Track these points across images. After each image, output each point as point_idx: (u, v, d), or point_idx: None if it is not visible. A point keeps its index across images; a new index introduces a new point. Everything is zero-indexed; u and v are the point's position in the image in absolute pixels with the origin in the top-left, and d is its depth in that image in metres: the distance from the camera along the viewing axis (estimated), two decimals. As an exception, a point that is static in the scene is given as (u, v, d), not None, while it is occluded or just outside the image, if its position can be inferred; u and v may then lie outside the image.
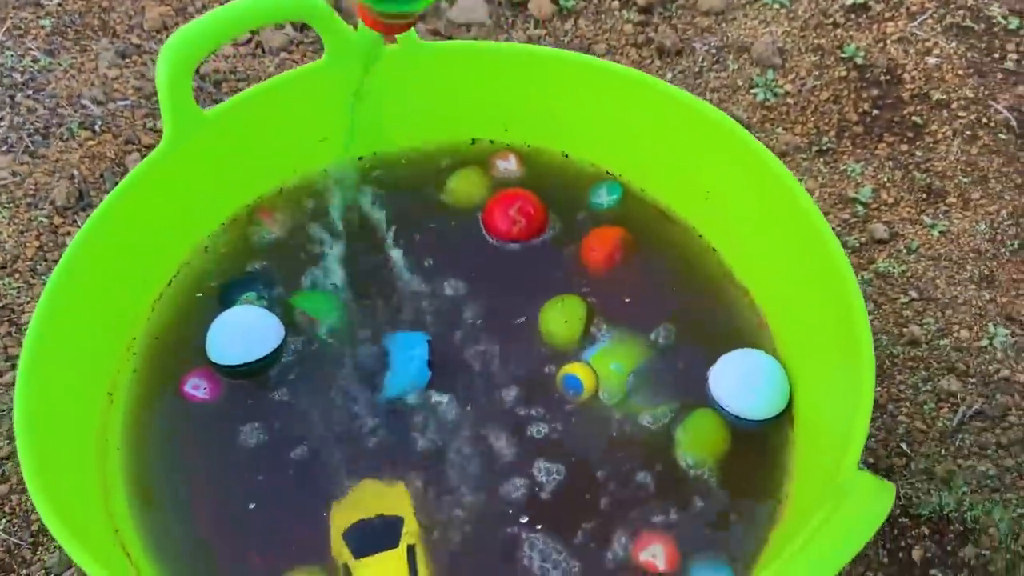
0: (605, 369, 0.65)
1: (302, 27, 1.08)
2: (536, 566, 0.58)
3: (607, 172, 0.75)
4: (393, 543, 0.57)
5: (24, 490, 0.74)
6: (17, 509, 0.73)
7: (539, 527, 0.59)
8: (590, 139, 0.75)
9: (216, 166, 0.70)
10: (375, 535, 0.57)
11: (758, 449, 0.62)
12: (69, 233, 0.89)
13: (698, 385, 0.64)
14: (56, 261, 0.85)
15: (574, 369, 0.65)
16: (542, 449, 0.62)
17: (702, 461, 0.61)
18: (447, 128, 0.77)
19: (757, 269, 0.68)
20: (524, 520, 0.59)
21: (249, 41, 1.07)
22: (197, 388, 0.65)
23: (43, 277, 0.86)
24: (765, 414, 0.62)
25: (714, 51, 1.05)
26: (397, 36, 0.69)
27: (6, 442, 0.76)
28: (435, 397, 0.65)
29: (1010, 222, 0.89)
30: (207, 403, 0.65)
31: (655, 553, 0.58)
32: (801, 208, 0.61)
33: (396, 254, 0.72)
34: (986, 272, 0.86)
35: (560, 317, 0.68)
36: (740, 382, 0.63)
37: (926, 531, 0.71)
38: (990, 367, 0.79)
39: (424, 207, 0.75)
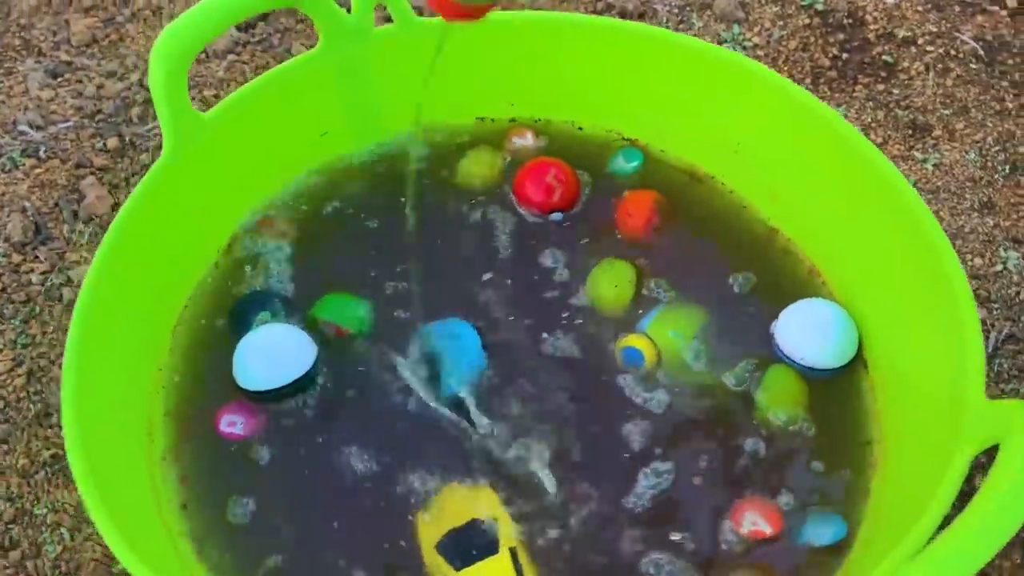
0: (664, 338, 0.63)
1: (246, 27, 1.01)
2: (644, 557, 0.55)
3: (624, 138, 0.73)
4: (493, 548, 0.53)
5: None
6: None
7: (638, 512, 0.56)
8: (602, 105, 0.72)
9: (219, 173, 0.64)
10: (472, 543, 0.53)
11: (837, 397, 0.61)
12: (32, 270, 0.81)
13: (763, 341, 0.63)
14: (23, 302, 0.78)
15: (632, 341, 0.63)
16: (618, 429, 0.59)
17: (785, 418, 0.59)
18: (450, 109, 0.73)
19: (800, 216, 0.66)
20: (622, 507, 0.56)
21: (190, 46, 0.99)
22: (233, 425, 0.59)
23: (12, 322, 0.78)
24: (839, 361, 0.61)
25: (676, 10, 1.03)
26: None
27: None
28: (495, 385, 0.61)
29: (997, 147, 0.90)
30: (248, 439, 0.59)
31: (755, 521, 0.56)
32: (842, 135, 0.60)
33: (421, 244, 0.68)
34: (984, 199, 0.87)
35: (610, 281, 0.65)
36: (809, 333, 0.61)
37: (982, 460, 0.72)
38: (1010, 291, 0.80)
39: (439, 192, 0.70)
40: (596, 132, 0.73)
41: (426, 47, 0.68)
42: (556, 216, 0.69)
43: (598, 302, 0.65)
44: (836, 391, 0.61)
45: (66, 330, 0.76)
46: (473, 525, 0.54)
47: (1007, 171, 0.89)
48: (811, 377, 0.61)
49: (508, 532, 0.54)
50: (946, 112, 0.93)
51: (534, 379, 0.61)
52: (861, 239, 0.62)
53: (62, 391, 0.50)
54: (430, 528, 0.54)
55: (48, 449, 0.72)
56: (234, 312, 0.64)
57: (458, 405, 0.60)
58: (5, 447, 0.71)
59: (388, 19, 0.68)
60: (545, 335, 0.63)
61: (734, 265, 0.66)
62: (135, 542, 0.45)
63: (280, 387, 0.60)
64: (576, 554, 0.55)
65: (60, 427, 0.72)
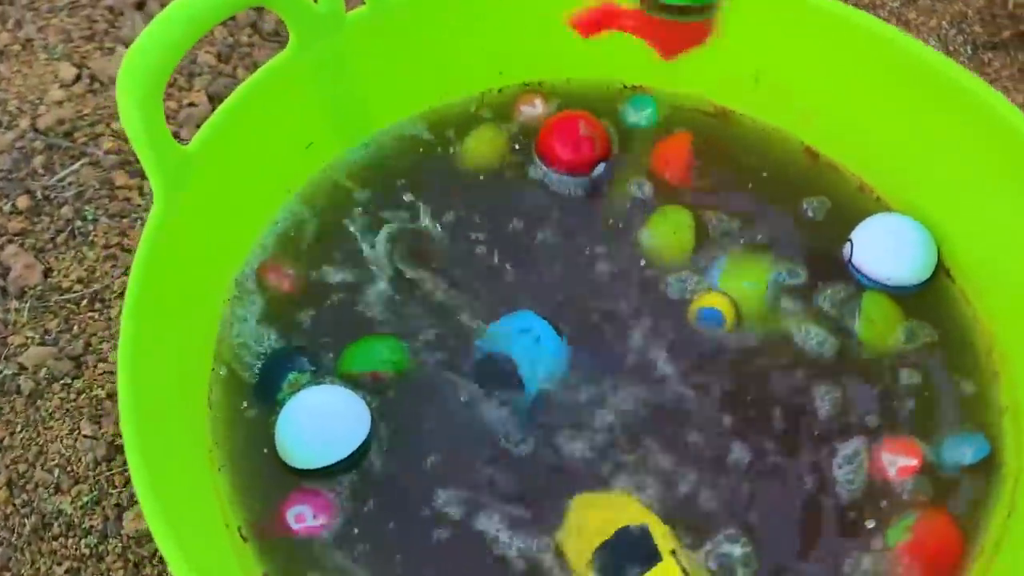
0: (740, 290, 0.58)
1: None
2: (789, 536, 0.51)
3: (627, 86, 0.67)
4: (655, 555, 0.47)
5: None
6: None
7: (766, 490, 0.52)
8: (597, 55, 0.66)
9: (211, 213, 0.54)
10: (629, 553, 0.48)
11: (933, 314, 0.58)
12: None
13: (839, 269, 0.59)
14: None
15: (708, 301, 0.58)
16: (721, 400, 0.55)
17: (892, 346, 0.56)
18: (439, 90, 0.65)
19: (840, 134, 0.63)
20: (748, 486, 0.52)
21: (78, 79, 0.87)
22: (303, 519, 0.50)
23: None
24: (924, 275, 0.58)
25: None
26: None
27: None
28: (576, 376, 0.55)
29: (955, 31, 0.90)
30: (330, 528, 0.50)
31: (893, 460, 0.53)
32: (885, 38, 0.57)
33: (447, 243, 0.60)
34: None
35: (668, 228, 0.60)
36: (889, 250, 0.58)
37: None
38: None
39: (450, 177, 0.63)
40: (596, 85, 0.67)
41: (406, 26, 0.61)
42: (599, 170, 0.63)
43: (657, 253, 0.60)
44: (929, 307, 0.58)
45: (35, 424, 0.66)
46: (624, 534, 0.48)
47: (969, 52, 0.88)
48: (898, 296, 0.58)
49: (663, 533, 0.49)
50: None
51: (619, 364, 0.56)
52: (916, 142, 0.58)
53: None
54: (576, 546, 0.48)
55: (59, 564, 0.61)
56: (259, 383, 0.55)
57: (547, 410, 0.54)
58: (8, 574, 0.61)
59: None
60: (612, 306, 0.58)
61: (784, 196, 0.62)
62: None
63: (337, 461, 0.51)
64: (728, 542, 0.50)
65: (66, 536, 0.62)
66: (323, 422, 0.52)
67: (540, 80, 0.67)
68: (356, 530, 0.50)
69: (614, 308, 0.58)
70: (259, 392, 0.54)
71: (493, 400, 0.54)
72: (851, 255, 0.59)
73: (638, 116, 0.66)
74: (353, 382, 0.54)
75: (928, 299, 0.58)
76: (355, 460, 0.51)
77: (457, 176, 0.63)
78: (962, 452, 0.53)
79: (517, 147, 0.65)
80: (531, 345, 0.55)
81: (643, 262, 0.59)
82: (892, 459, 0.53)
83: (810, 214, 0.62)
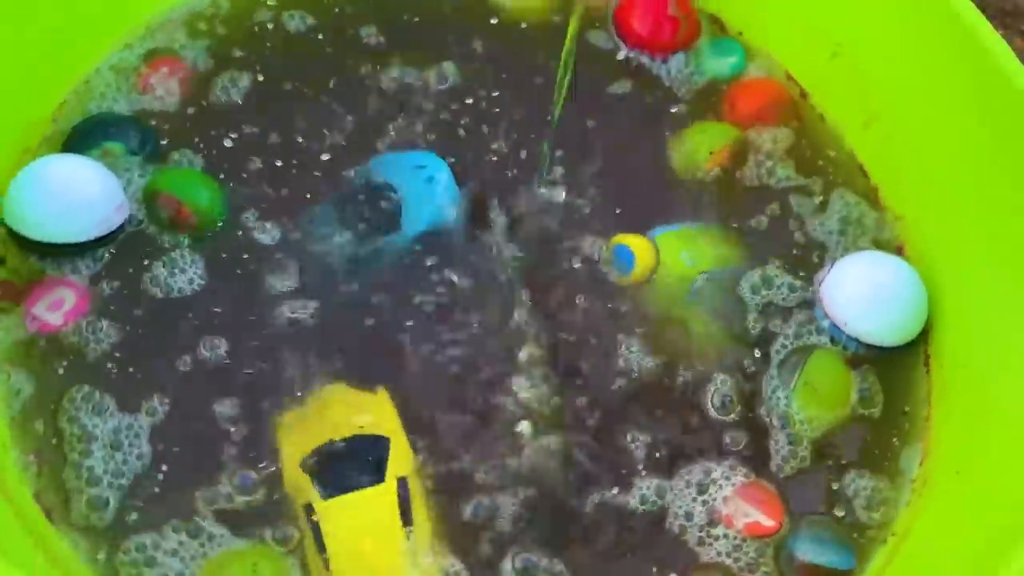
0: (672, 255, 0.48)
1: None
2: (583, 507, 0.42)
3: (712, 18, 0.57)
4: (378, 476, 0.40)
5: None
6: None
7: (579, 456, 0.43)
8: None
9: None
10: (350, 464, 0.40)
11: (886, 392, 0.46)
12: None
13: (804, 305, 0.48)
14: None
15: (629, 240, 0.48)
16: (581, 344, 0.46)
17: (813, 422, 0.45)
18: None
19: (893, 152, 0.51)
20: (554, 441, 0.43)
21: None
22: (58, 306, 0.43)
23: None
24: (900, 340, 0.47)
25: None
26: None
27: None
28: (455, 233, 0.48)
29: None
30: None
31: (748, 512, 0.42)
32: (984, 48, 0.44)
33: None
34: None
35: (704, 145, 0.52)
36: (866, 297, 0.47)
37: None
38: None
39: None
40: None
41: None
42: (679, 58, 0.55)
43: (680, 170, 0.52)
44: (886, 380, 0.47)
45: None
46: (357, 441, 0.41)
47: None
48: (858, 356, 0.47)
49: (404, 456, 0.41)
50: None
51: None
52: (972, 193, 0.46)
53: None
54: (298, 435, 0.41)
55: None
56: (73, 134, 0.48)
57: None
58: None
59: None
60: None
61: (798, 205, 0.52)
62: None
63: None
64: (486, 495, 0.42)
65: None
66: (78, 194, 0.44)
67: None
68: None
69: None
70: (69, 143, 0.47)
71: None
72: (822, 287, 0.48)
73: (721, 64, 0.56)
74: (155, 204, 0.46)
75: (888, 370, 0.47)
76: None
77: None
78: (823, 552, 0.42)
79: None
80: (421, 183, 0.47)
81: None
82: (747, 510, 0.42)
83: (805, 234, 0.51)
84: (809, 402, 0.45)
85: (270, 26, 0.53)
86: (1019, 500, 0.37)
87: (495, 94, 0.53)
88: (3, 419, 0.40)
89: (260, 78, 0.51)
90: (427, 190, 0.48)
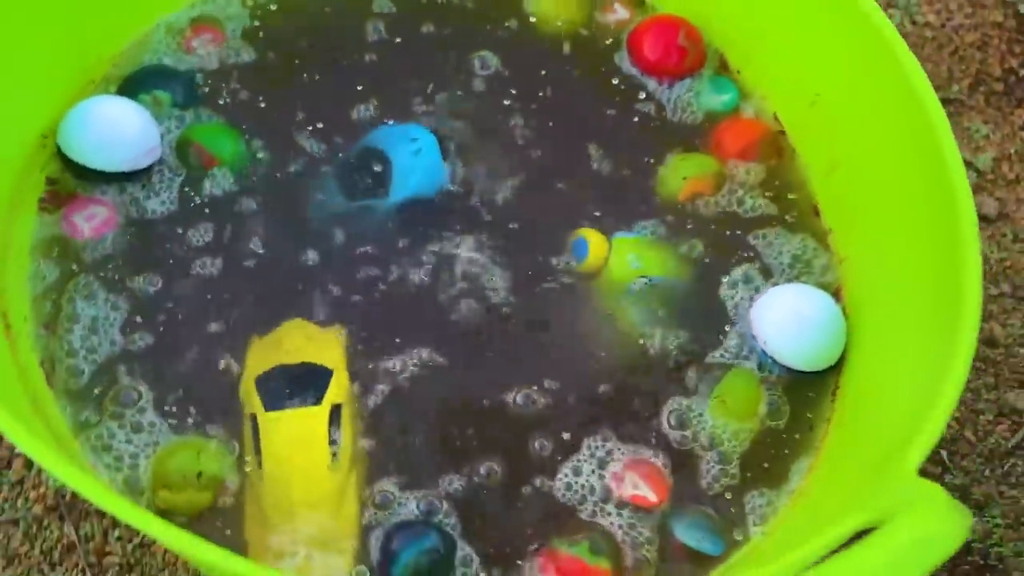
0: (621, 256, 0.54)
1: None
2: (485, 466, 0.48)
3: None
4: (316, 399, 0.47)
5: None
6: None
7: (497, 419, 0.49)
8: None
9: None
10: (295, 386, 0.47)
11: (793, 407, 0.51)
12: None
13: (736, 328, 0.53)
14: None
15: (588, 235, 0.54)
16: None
17: (724, 432, 0.50)
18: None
19: (849, 202, 0.55)
20: (479, 399, 0.49)
21: None
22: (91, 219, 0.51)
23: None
24: (816, 367, 0.51)
25: (859, -47, 0.88)
26: None
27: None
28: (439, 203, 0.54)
29: None
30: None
31: (637, 483, 0.48)
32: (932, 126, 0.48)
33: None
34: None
35: (681, 172, 0.57)
36: (789, 325, 0.51)
37: (940, 554, 0.61)
38: (1069, 396, 0.67)
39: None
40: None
41: None
42: (688, 82, 0.60)
43: (662, 196, 0.57)
44: (796, 401, 0.51)
45: None
46: (305, 368, 0.48)
47: None
48: (776, 377, 0.52)
49: (342, 388, 0.48)
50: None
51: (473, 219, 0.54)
52: (895, 246, 0.51)
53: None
54: (261, 357, 0.48)
55: None
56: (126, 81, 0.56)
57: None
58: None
59: None
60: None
61: (756, 235, 0.56)
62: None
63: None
64: (414, 426, 0.48)
65: None
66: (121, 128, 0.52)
67: None
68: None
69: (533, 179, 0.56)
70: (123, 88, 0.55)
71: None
72: (752, 312, 0.53)
73: (716, 100, 0.61)
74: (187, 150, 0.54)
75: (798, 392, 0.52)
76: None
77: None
78: (697, 539, 0.47)
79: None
80: (410, 154, 0.54)
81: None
82: (636, 481, 0.48)
83: (754, 267, 0.55)
84: (719, 414, 0.50)
85: (308, 7, 0.61)
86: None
87: (512, 91, 0.59)
88: (29, 296, 0.49)
89: (290, 51, 0.59)
90: (415, 161, 0.54)
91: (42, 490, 0.57)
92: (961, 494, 0.63)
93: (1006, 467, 0.64)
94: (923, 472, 0.60)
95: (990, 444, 0.65)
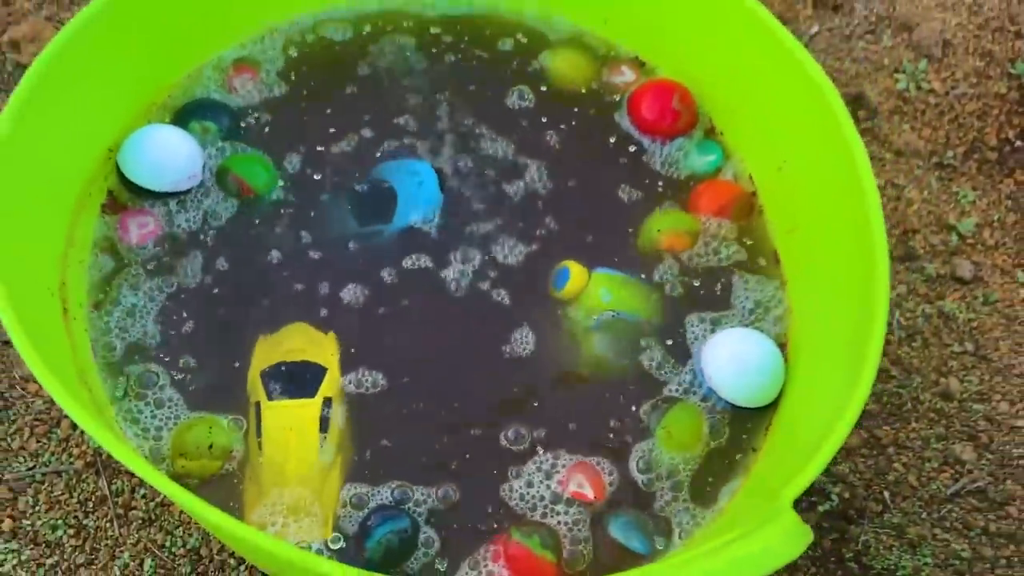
0: (595, 289, 0.61)
1: None
2: (457, 463, 0.56)
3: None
4: (310, 393, 0.55)
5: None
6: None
7: (472, 429, 0.57)
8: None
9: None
10: (295, 380, 0.56)
11: (732, 434, 0.58)
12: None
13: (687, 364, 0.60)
14: None
15: (571, 266, 0.62)
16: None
17: (666, 455, 0.57)
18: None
19: (805, 264, 0.62)
20: (453, 405, 0.57)
21: None
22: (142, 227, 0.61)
23: None
24: (754, 403, 0.58)
25: (874, 19, 0.94)
26: None
27: None
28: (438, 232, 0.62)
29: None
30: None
31: (581, 483, 0.55)
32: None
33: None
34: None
35: (658, 224, 0.64)
36: (730, 364, 0.58)
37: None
38: (1015, 450, 0.72)
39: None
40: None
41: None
42: (680, 141, 0.67)
43: (642, 248, 0.64)
44: (735, 431, 0.58)
45: None
46: (303, 365, 0.56)
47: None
48: (719, 410, 0.59)
49: (334, 384, 0.56)
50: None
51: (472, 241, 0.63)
52: (828, 294, 0.57)
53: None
54: (266, 353, 0.57)
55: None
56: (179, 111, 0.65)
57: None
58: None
59: None
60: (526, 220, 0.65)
61: (724, 283, 0.63)
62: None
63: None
64: (395, 424, 0.56)
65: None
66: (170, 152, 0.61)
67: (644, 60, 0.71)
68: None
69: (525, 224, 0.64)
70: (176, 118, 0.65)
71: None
72: (702, 353, 0.59)
73: (701, 161, 0.68)
74: (226, 178, 0.63)
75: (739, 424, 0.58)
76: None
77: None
78: (628, 537, 0.54)
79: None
80: (414, 185, 0.62)
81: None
82: (579, 480, 0.55)
83: (710, 318, 0.62)
84: (664, 443, 0.57)
85: (336, 62, 0.70)
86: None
87: (518, 135, 0.68)
88: (88, 284, 0.58)
89: (317, 90, 0.68)
90: (418, 192, 0.62)
91: (83, 448, 0.66)
92: (897, 532, 0.68)
93: (942, 512, 0.69)
94: (864, 507, 0.67)
95: (931, 490, 0.70)
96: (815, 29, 0.94)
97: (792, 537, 0.39)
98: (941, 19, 0.93)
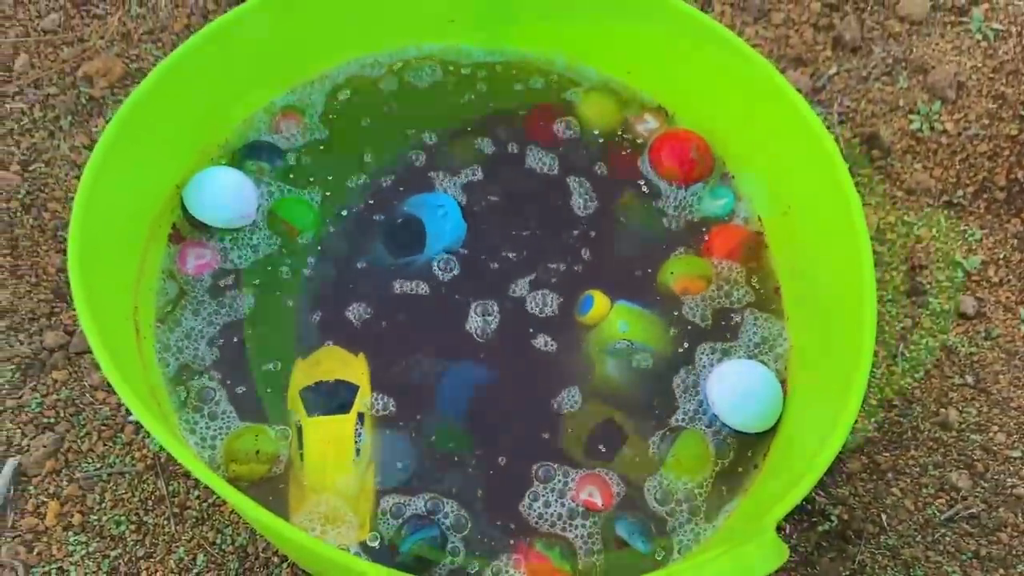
0: (616, 319, 0.67)
1: None
2: (475, 472, 0.61)
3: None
4: (345, 409, 0.61)
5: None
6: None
7: (484, 437, 0.63)
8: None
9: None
10: (330, 397, 0.62)
11: (736, 456, 0.63)
12: (217, 10, 0.94)
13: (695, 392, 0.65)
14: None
15: (596, 295, 0.68)
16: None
17: (678, 481, 0.62)
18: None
19: (805, 307, 0.67)
20: (470, 420, 0.63)
21: None
22: (202, 258, 0.68)
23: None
24: (755, 429, 0.63)
25: (891, 60, 0.99)
26: None
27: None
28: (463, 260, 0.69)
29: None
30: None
31: (592, 492, 0.61)
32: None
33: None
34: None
35: (675, 270, 0.70)
36: (732, 393, 0.63)
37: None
38: (1008, 479, 0.77)
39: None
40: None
41: None
42: (696, 187, 0.73)
43: (661, 288, 0.70)
44: (738, 455, 0.63)
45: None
46: (338, 384, 0.63)
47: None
48: (724, 435, 0.64)
49: (366, 400, 0.63)
50: (1082, 289, 0.86)
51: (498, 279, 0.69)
52: (829, 335, 0.62)
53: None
54: (304, 374, 0.63)
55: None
56: (237, 153, 0.72)
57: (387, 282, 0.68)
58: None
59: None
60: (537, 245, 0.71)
61: (734, 320, 0.68)
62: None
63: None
64: (416, 442, 0.62)
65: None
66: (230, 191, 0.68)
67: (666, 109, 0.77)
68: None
69: (538, 246, 0.70)
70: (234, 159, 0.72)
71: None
72: (707, 383, 0.65)
73: (714, 204, 0.73)
74: (275, 220, 0.70)
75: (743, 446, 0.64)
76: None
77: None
78: (633, 538, 0.60)
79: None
80: (439, 217, 0.69)
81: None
82: (590, 490, 0.61)
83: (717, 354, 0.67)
84: (673, 470, 0.63)
85: (372, 110, 0.76)
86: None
87: (550, 175, 0.74)
88: (156, 305, 0.65)
89: (355, 133, 0.74)
90: (443, 223, 0.69)
91: (144, 451, 0.73)
92: (892, 553, 0.73)
93: (936, 536, 0.74)
94: (861, 528, 0.72)
95: (927, 514, 0.75)
96: (833, 70, 0.99)
97: (769, 554, 0.44)
98: (956, 62, 0.97)
